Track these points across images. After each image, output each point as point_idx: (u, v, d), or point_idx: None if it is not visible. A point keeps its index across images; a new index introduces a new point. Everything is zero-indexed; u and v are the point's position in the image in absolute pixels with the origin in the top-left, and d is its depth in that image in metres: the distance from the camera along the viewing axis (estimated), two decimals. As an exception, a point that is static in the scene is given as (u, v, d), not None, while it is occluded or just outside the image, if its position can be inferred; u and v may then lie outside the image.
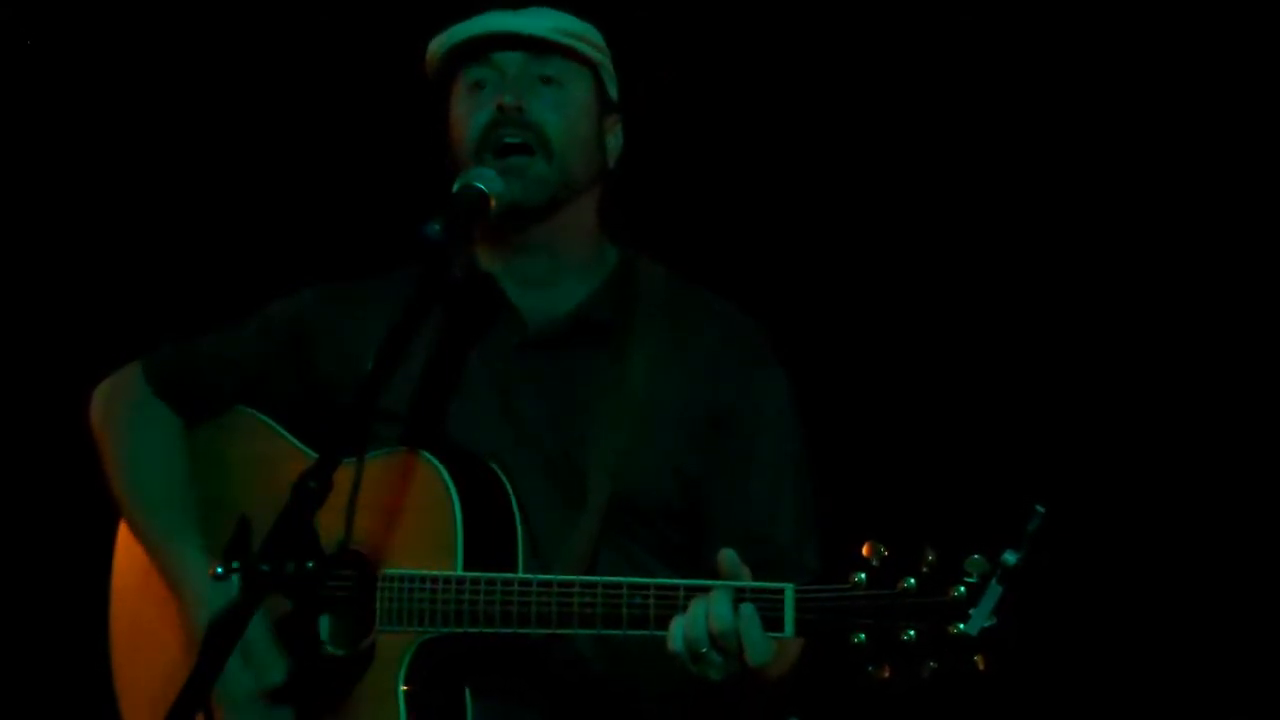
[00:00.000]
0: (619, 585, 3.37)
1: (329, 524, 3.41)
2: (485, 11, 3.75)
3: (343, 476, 3.17)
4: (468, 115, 3.67)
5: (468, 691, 3.50)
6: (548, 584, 3.41)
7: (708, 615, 3.25)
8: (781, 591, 3.25)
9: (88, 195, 5.10)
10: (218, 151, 5.08)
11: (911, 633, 3.15)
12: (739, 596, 3.26)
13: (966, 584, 3.14)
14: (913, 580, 3.16)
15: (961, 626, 3.12)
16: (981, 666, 3.13)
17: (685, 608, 3.29)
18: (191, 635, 3.66)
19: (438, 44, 3.75)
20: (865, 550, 3.20)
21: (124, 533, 3.89)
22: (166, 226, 5.08)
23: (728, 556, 3.31)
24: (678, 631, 3.29)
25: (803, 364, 3.78)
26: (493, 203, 3.53)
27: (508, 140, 3.61)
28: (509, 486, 3.56)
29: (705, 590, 3.30)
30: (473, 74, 3.70)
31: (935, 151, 4.72)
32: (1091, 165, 4.65)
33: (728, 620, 3.25)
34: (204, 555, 3.70)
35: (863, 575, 3.19)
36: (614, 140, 3.79)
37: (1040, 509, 3.06)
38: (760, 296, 3.89)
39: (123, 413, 3.89)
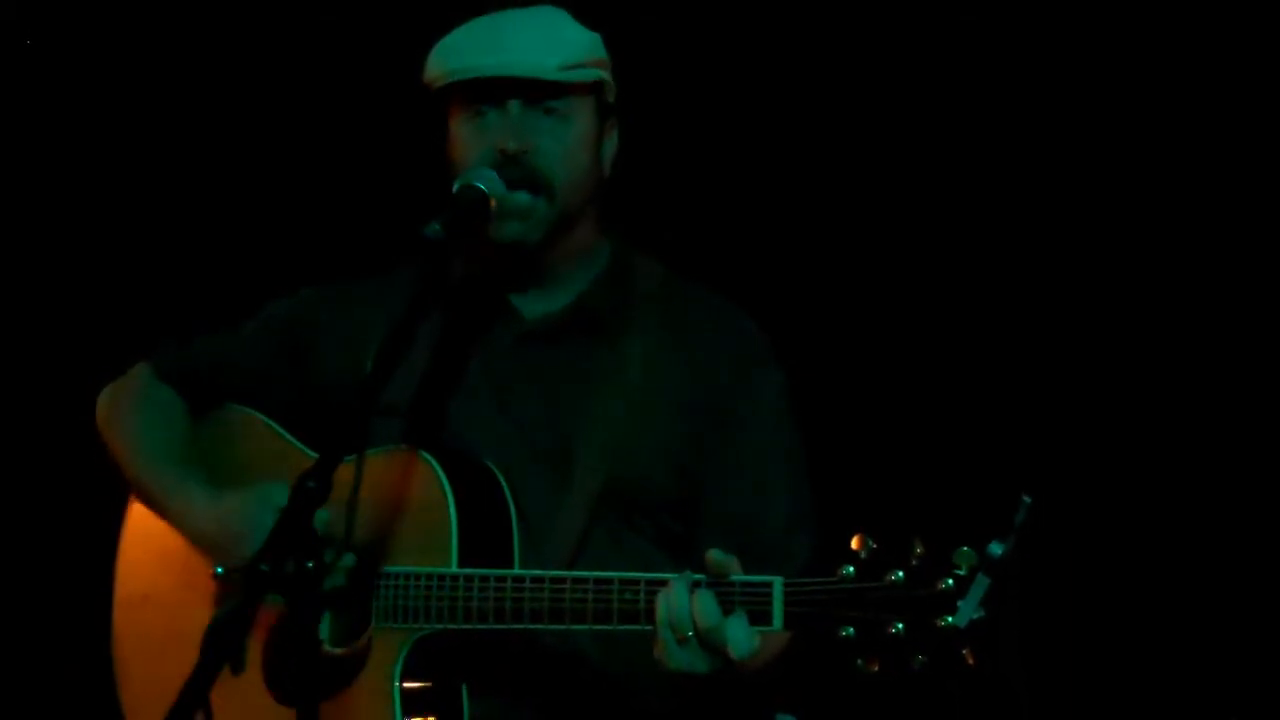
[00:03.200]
0: (610, 580, 3.38)
1: (329, 522, 3.40)
2: (487, 14, 3.72)
3: (342, 475, 3.17)
4: (470, 144, 3.64)
5: (464, 688, 3.52)
6: (540, 579, 3.42)
7: (692, 611, 3.28)
8: (770, 585, 3.26)
9: (88, 196, 5.11)
10: (218, 152, 5.09)
11: (900, 626, 3.15)
12: (726, 593, 3.28)
13: (955, 576, 3.14)
14: (901, 573, 3.17)
15: (950, 619, 3.12)
16: (970, 659, 3.13)
17: (670, 593, 3.31)
18: (207, 589, 3.67)
19: (439, 74, 3.68)
20: (854, 543, 3.20)
21: (128, 537, 3.92)
22: (167, 227, 5.09)
23: (714, 555, 3.31)
24: (662, 614, 3.31)
25: (792, 357, 3.79)
26: (493, 203, 3.53)
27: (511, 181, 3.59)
28: (505, 485, 3.58)
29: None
30: (472, 97, 3.65)
31: (924, 147, 4.72)
32: (1076, 157, 4.65)
33: (713, 617, 3.27)
34: (212, 492, 3.71)
35: (851, 568, 3.19)
36: (610, 145, 3.77)
37: (1027, 500, 3.06)
38: (751, 291, 3.89)
39: (129, 397, 3.92)
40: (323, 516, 3.14)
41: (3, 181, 5.14)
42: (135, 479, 3.87)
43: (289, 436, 3.78)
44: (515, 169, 3.58)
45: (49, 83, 5.13)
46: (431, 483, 3.54)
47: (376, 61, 4.78)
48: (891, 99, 4.74)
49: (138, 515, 3.91)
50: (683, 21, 4.80)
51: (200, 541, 3.71)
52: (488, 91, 3.63)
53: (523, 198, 3.59)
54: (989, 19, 4.67)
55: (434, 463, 3.56)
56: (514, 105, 3.63)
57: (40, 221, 5.13)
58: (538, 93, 3.63)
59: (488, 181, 3.53)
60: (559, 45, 3.66)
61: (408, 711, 3.48)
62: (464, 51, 3.68)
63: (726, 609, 3.28)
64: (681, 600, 3.29)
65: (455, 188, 3.54)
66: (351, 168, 5.01)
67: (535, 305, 3.74)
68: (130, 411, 3.91)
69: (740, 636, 3.27)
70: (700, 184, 4.81)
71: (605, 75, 3.73)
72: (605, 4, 3.80)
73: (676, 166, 4.76)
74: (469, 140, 3.65)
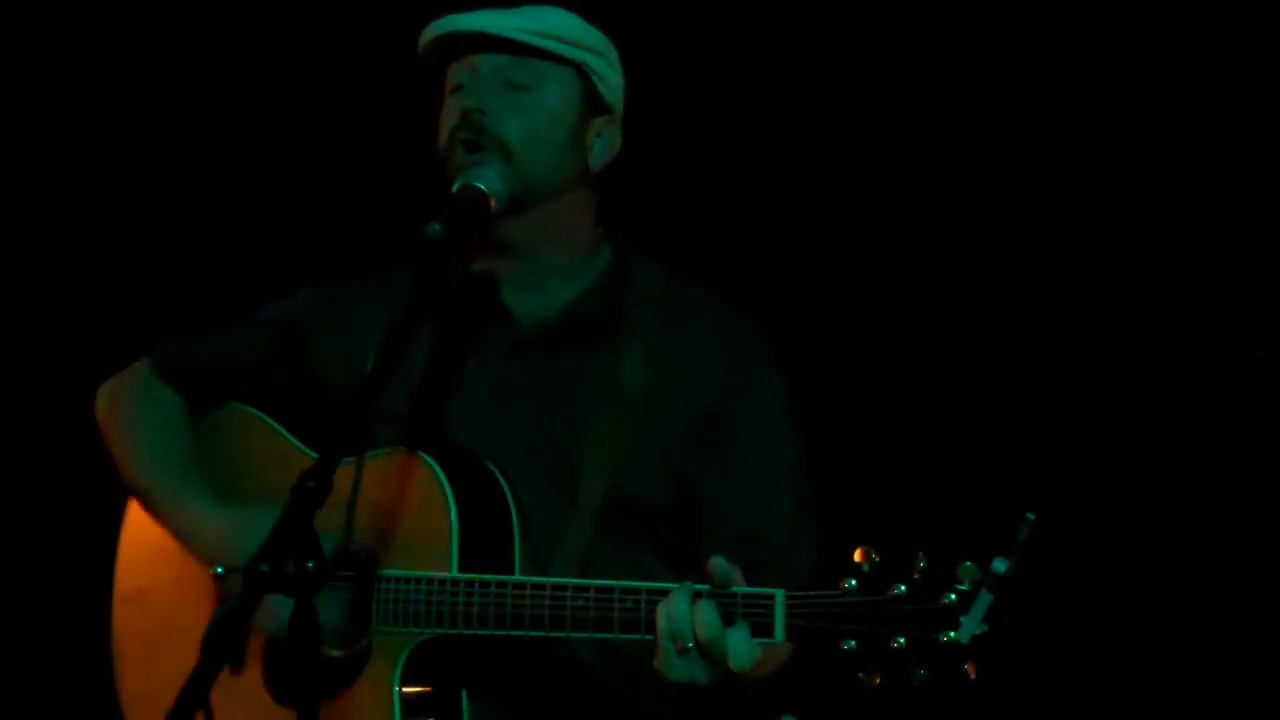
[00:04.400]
0: (611, 588, 3.38)
1: (329, 524, 3.39)
2: (481, 9, 3.74)
3: (342, 477, 3.17)
4: (445, 117, 3.68)
5: (464, 693, 3.51)
6: (541, 586, 3.42)
7: (694, 622, 3.27)
8: (772, 598, 3.26)
9: (88, 195, 5.10)
10: (217, 152, 5.08)
11: (902, 640, 3.15)
12: (728, 604, 3.28)
13: (958, 591, 3.15)
14: (904, 587, 3.17)
15: (952, 634, 3.13)
16: (972, 674, 3.13)
17: (671, 603, 3.31)
18: (207, 585, 3.67)
19: (421, 37, 3.75)
20: (857, 556, 3.21)
21: (127, 533, 3.91)
22: (166, 226, 5.08)
23: (717, 564, 3.31)
24: (663, 625, 3.30)
25: (797, 368, 3.78)
26: (493, 203, 3.53)
27: (465, 141, 3.61)
28: (506, 487, 3.58)
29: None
30: (454, 73, 3.71)
31: (932, 154, 4.72)
32: (1089, 172, 4.65)
33: (714, 628, 3.26)
34: (216, 505, 3.71)
35: (854, 581, 3.20)
36: (602, 142, 3.75)
37: (1031, 516, 3.06)
38: (756, 298, 3.89)
39: (129, 396, 3.91)
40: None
41: (3, 181, 5.12)
42: (134, 482, 3.85)
43: (289, 436, 3.77)
44: (469, 129, 3.61)
45: (49, 83, 5.12)
46: (432, 484, 3.53)
47: (376, 61, 4.77)
48: (894, 100, 4.74)
49: (137, 510, 3.89)
50: (682, 22, 4.79)
51: (198, 552, 3.70)
52: (461, 54, 3.68)
53: (474, 155, 3.60)
54: (989, 19, 4.67)
55: (434, 464, 3.55)
56: (482, 65, 3.66)
57: (40, 221, 5.12)
58: (506, 49, 3.65)
59: (487, 181, 3.54)
60: (536, 18, 3.70)
61: (407, 715, 3.47)
62: (439, 22, 3.72)
63: (728, 620, 3.27)
64: (683, 611, 3.28)
65: (454, 188, 3.56)
66: (352, 168, 5.00)
67: (532, 309, 3.73)
68: (130, 412, 3.89)
69: (741, 648, 3.26)
70: (702, 185, 4.80)
71: (594, 63, 3.72)
72: (606, 5, 3.80)
73: (677, 167, 4.75)
74: (446, 111, 3.69)
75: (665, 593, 3.33)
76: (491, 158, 3.60)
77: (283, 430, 3.78)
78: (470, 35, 3.67)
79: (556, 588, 3.41)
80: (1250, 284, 4.59)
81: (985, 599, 3.12)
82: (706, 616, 3.27)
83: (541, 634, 3.41)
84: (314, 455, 3.33)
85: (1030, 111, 4.67)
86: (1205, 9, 4.55)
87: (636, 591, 3.36)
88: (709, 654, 3.27)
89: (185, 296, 4.91)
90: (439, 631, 3.45)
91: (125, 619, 3.88)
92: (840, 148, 4.77)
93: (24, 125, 5.11)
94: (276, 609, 3.36)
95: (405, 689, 3.48)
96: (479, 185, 3.53)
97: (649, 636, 3.33)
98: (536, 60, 3.67)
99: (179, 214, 5.09)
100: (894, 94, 4.75)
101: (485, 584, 3.44)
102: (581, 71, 3.72)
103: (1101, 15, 4.62)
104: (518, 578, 3.47)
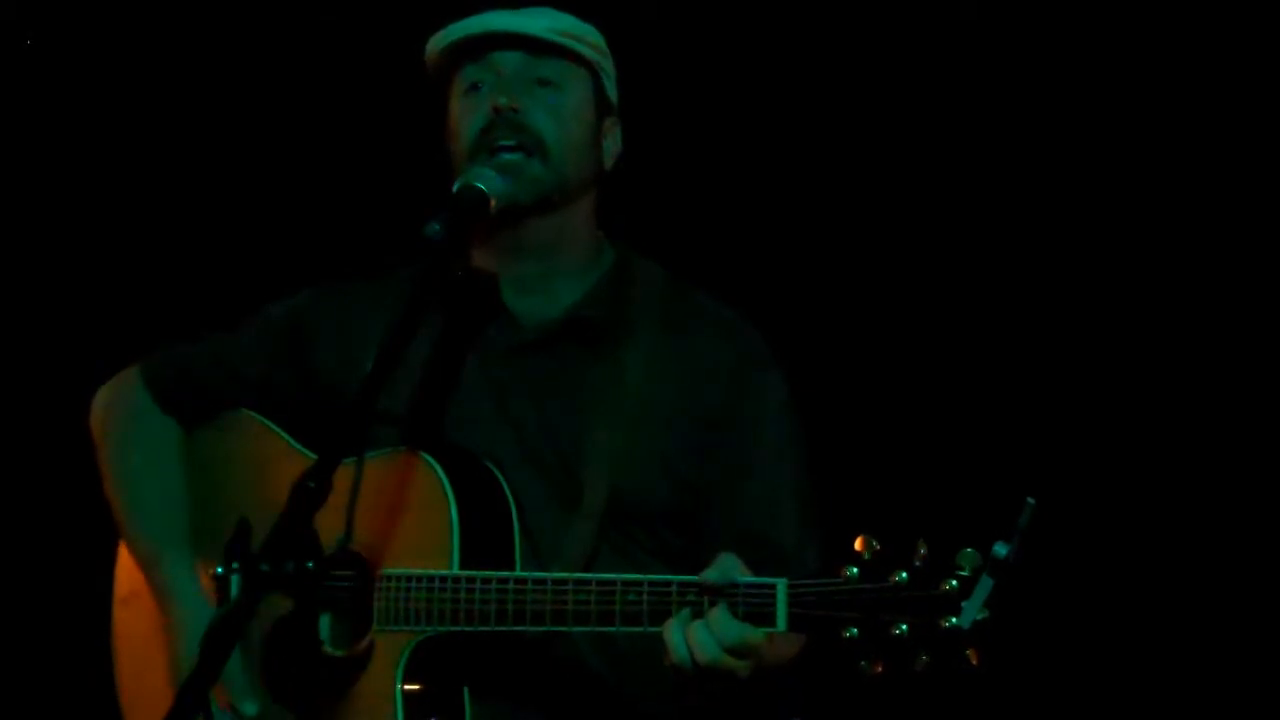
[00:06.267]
0: (612, 582, 3.37)
1: (329, 524, 3.42)
2: (485, 11, 3.74)
3: (342, 477, 3.18)
4: (464, 116, 3.66)
5: (466, 690, 3.51)
6: (542, 582, 3.42)
7: (690, 649, 3.27)
8: (774, 586, 3.25)
9: (88, 195, 5.11)
10: (217, 152, 5.08)
11: (903, 627, 3.15)
12: (731, 597, 3.27)
13: (958, 577, 3.14)
14: (905, 574, 3.16)
15: (954, 620, 3.13)
16: (974, 660, 3.14)
17: (679, 607, 3.31)
18: (174, 657, 3.68)
19: (435, 41, 3.74)
20: (857, 544, 3.20)
21: (127, 537, 3.92)
22: (166, 227, 5.09)
23: (710, 576, 3.30)
24: (682, 654, 3.29)
25: (796, 358, 3.78)
26: (493, 203, 3.53)
27: (502, 143, 3.60)
28: (506, 487, 3.57)
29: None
30: (470, 74, 3.69)
31: (930, 150, 4.71)
32: (1084, 158, 4.65)
33: (710, 647, 3.26)
34: (194, 578, 3.72)
35: (855, 569, 3.19)
36: (611, 142, 3.78)
37: (1031, 501, 3.06)
38: (755, 292, 3.89)
39: (121, 423, 3.89)
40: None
41: (3, 181, 5.13)
42: (120, 525, 3.85)
43: (289, 438, 3.77)
44: (507, 129, 3.61)
45: (49, 83, 5.12)
46: (433, 483, 3.53)
47: (376, 62, 4.78)
48: (893, 100, 4.73)
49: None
50: (682, 22, 4.79)
51: (168, 619, 3.72)
52: (479, 54, 3.68)
53: (514, 155, 3.60)
54: (989, 19, 4.66)
55: (435, 464, 3.55)
56: (506, 63, 3.66)
57: (40, 222, 5.12)
58: (527, 49, 3.66)
59: (487, 181, 3.54)
60: (552, 16, 3.73)
61: (410, 714, 3.47)
62: (458, 25, 3.73)
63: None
64: (678, 640, 3.29)
65: (455, 188, 3.55)
66: (351, 168, 5.00)
67: (534, 310, 3.73)
68: (121, 445, 3.88)
69: (726, 626, 3.26)
70: (702, 186, 4.80)
71: (600, 61, 3.76)
72: (605, 6, 3.81)
73: (678, 168, 4.76)
74: (465, 112, 3.68)
75: (666, 585, 3.33)
76: (533, 163, 3.61)
77: (282, 432, 3.78)
78: (489, 36, 3.68)
79: (558, 582, 3.41)
80: (1249, 274, 4.58)
81: (986, 584, 3.12)
82: (699, 637, 3.27)
83: (543, 629, 3.41)
84: (313, 456, 3.33)
85: (1029, 110, 4.67)
86: (1206, 9, 4.54)
87: (638, 584, 3.36)
88: (716, 671, 3.27)
89: (185, 297, 4.92)
90: (441, 629, 3.46)
91: (123, 621, 3.89)
92: (838, 146, 4.77)
93: (24, 125, 5.11)
94: None
95: (407, 687, 3.48)
96: (479, 185, 3.53)
97: (652, 629, 3.33)
98: (556, 59, 3.69)
99: (179, 214, 5.10)
100: (892, 94, 4.75)
101: (486, 580, 3.44)
102: (593, 71, 3.75)
103: (1101, 15, 4.61)
104: (519, 573, 3.47)
